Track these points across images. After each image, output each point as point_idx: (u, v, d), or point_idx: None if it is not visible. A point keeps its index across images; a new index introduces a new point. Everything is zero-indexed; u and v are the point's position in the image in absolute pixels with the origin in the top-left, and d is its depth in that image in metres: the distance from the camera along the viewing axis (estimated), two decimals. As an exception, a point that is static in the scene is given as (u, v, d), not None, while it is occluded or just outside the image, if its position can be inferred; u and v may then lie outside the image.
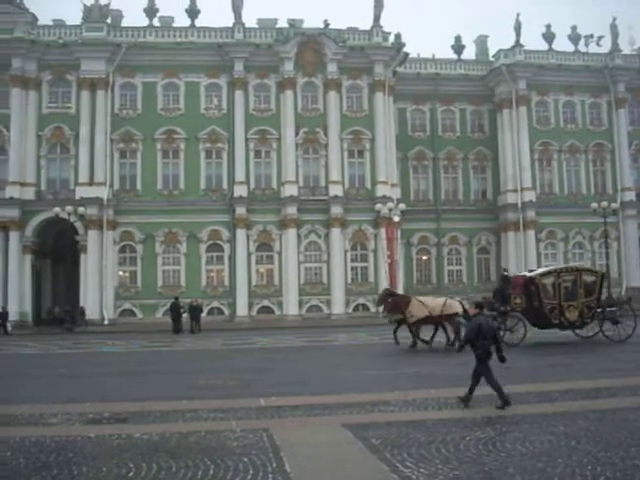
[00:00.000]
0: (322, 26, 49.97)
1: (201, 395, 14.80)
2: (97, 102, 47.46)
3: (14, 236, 45.73)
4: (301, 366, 20.73)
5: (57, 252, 50.46)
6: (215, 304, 46.99)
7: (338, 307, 46.86)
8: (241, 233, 47.45)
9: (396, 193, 48.60)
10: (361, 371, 18.05)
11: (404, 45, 50.47)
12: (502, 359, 12.72)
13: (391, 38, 50.83)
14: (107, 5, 49.11)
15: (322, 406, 13.16)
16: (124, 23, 51.20)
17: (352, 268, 48.40)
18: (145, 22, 50.20)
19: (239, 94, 48.60)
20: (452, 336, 24.00)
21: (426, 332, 24.64)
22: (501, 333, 24.37)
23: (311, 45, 49.06)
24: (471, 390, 12.52)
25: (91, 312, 45.40)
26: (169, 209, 47.23)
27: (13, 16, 47.74)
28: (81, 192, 46.17)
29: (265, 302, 47.52)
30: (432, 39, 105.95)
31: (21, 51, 46.90)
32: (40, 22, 49.27)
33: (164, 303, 44.82)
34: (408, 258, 52.01)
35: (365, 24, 50.94)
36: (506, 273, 29.05)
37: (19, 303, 45.31)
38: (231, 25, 49.54)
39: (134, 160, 48.44)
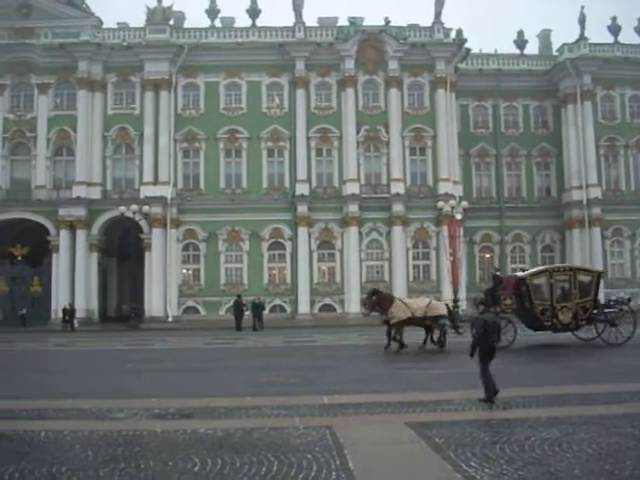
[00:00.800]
0: (383, 23, 49.78)
1: (264, 392, 14.92)
2: (161, 103, 48.16)
3: (81, 235, 46.71)
4: (363, 364, 20.72)
5: (122, 250, 51.38)
6: (277, 302, 47.25)
7: (400, 305, 46.50)
8: (303, 231, 47.59)
9: (458, 190, 48.14)
10: (423, 370, 17.96)
11: (466, 41, 49.85)
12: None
13: (452, 34, 50.29)
14: (170, 7, 49.78)
15: (385, 404, 13.16)
16: (186, 25, 51.92)
17: (414, 266, 48.13)
18: (207, 23, 50.81)
19: (300, 93, 48.76)
20: (436, 337, 23.84)
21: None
22: None
23: (372, 43, 48.92)
24: (493, 389, 12.67)
25: (155, 309, 46.20)
26: (232, 208, 47.60)
27: (79, 20, 48.76)
28: (146, 191, 46.94)
29: (327, 300, 47.58)
30: (494, 34, 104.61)
31: (87, 54, 47.84)
32: (105, 25, 50.14)
33: (227, 300, 45.31)
34: (471, 256, 51.41)
35: (426, 20, 50.68)
36: (498, 273, 28.07)
37: (86, 300, 46.25)
38: (292, 24, 49.73)
39: (197, 159, 49.00)
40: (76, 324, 42.46)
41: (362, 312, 26.60)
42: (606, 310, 24.18)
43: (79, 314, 44.00)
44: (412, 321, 23.64)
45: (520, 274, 25.70)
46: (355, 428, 10.96)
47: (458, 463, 8.55)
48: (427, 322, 23.81)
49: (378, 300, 24.57)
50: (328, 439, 10.03)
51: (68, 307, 43.20)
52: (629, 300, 27.24)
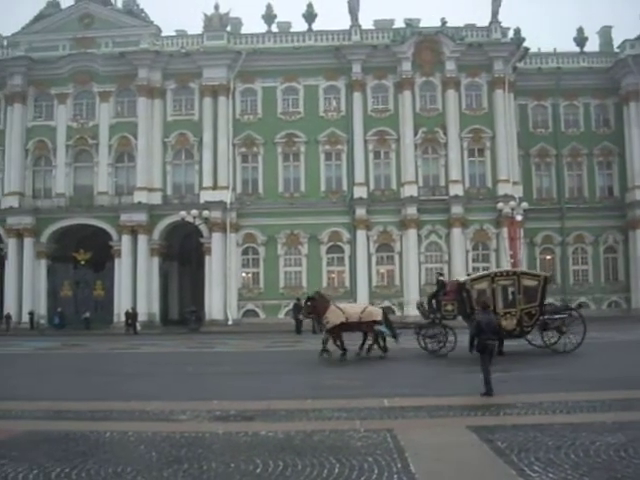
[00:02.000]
0: (439, 24, 49.56)
1: (324, 394, 14.94)
2: (219, 108, 48.67)
3: (142, 239, 47.45)
4: (424, 367, 20.63)
5: (183, 254, 52.02)
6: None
7: (460, 308, 46.13)
8: (361, 234, 47.57)
9: (518, 191, 47.53)
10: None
11: (524, 40, 49.26)
12: (500, 353, 15.07)
13: (510, 33, 49.78)
14: (227, 14, 50.34)
15: (446, 407, 13.09)
16: (243, 30, 52.35)
17: (474, 268, 47.19)
18: (264, 28, 51.15)
19: (357, 96, 48.75)
20: (369, 343, 23.51)
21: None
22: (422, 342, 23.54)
23: (428, 44, 48.64)
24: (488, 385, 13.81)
25: (215, 312, 46.69)
26: (290, 211, 47.84)
27: (139, 29, 49.69)
28: (205, 196, 47.50)
29: (386, 303, 47.31)
30: (553, 32, 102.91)
31: (146, 62, 48.64)
32: (163, 33, 50.96)
33: (286, 304, 45.53)
34: (531, 258, 50.53)
35: (483, 20, 50.24)
36: (441, 278, 26.86)
37: (147, 304, 46.98)
38: (348, 27, 49.83)
39: (255, 164, 49.35)
40: (138, 327, 43.16)
41: (301, 317, 26.50)
42: (554, 316, 23.32)
43: (141, 317, 44.70)
44: (347, 326, 23.28)
45: (461, 279, 25.07)
46: (416, 431, 10.89)
47: (521, 467, 8.43)
48: (363, 327, 23.50)
49: (314, 306, 24.44)
50: (389, 442, 9.98)
51: (130, 311, 43.96)
52: (579, 306, 26.36)
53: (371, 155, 48.83)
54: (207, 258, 47.62)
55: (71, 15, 49.87)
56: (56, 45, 49.50)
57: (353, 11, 49.88)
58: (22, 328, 45.47)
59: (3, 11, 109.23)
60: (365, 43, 49.35)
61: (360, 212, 47.66)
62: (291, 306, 42.38)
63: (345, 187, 48.76)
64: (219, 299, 47.00)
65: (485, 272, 26.92)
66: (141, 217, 47.50)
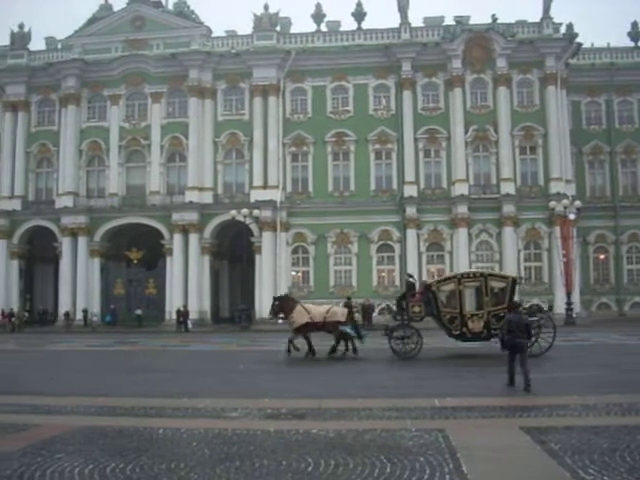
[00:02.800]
0: (490, 21, 49.12)
1: (375, 394, 14.86)
2: (269, 108, 48.94)
3: (193, 238, 47.96)
4: (473, 368, 20.44)
5: (234, 253, 52.38)
6: (386, 303, 47.07)
7: (511, 308, 45.64)
8: (411, 233, 47.34)
9: (571, 190, 46.87)
10: (535, 374, 17.51)
11: (576, 35, 48.50)
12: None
13: (562, 29, 49.11)
14: (276, 14, 50.62)
15: (498, 408, 12.95)
16: (293, 30, 52.46)
17: (525, 268, 46.93)
18: (313, 28, 51.25)
19: (407, 94, 48.53)
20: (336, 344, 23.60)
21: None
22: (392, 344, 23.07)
23: (479, 41, 48.22)
24: (510, 379, 14.82)
25: (265, 311, 46.77)
26: (340, 210, 47.88)
27: (190, 30, 50.24)
28: (255, 195, 47.80)
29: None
30: (606, 27, 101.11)
31: (197, 62, 49.14)
32: (214, 34, 51.46)
33: (336, 303, 45.30)
34: (584, 257, 49.83)
35: (534, 16, 49.64)
36: (411, 279, 26.27)
37: (198, 302, 47.48)
38: (397, 25, 49.66)
39: (305, 163, 49.50)
40: (190, 325, 43.60)
41: (270, 319, 26.63)
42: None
43: (192, 315, 45.20)
44: (312, 326, 23.38)
45: (428, 281, 24.69)
46: (468, 431, 10.75)
47: (575, 469, 8.26)
48: (327, 327, 23.55)
49: (281, 305, 24.60)
50: (440, 442, 9.86)
51: (182, 309, 44.48)
52: (550, 308, 25.76)
53: (421, 153, 48.58)
54: (257, 257, 47.92)
55: (123, 18, 50.66)
56: (109, 47, 50.40)
57: (402, 9, 49.68)
58: (75, 325, 46.42)
59: (58, 15, 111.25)
60: (415, 41, 49.12)
61: (410, 211, 47.45)
62: (341, 305, 42.31)
63: (395, 186, 48.60)
64: (269, 297, 47.00)
65: (452, 274, 26.68)
66: (192, 216, 47.99)
